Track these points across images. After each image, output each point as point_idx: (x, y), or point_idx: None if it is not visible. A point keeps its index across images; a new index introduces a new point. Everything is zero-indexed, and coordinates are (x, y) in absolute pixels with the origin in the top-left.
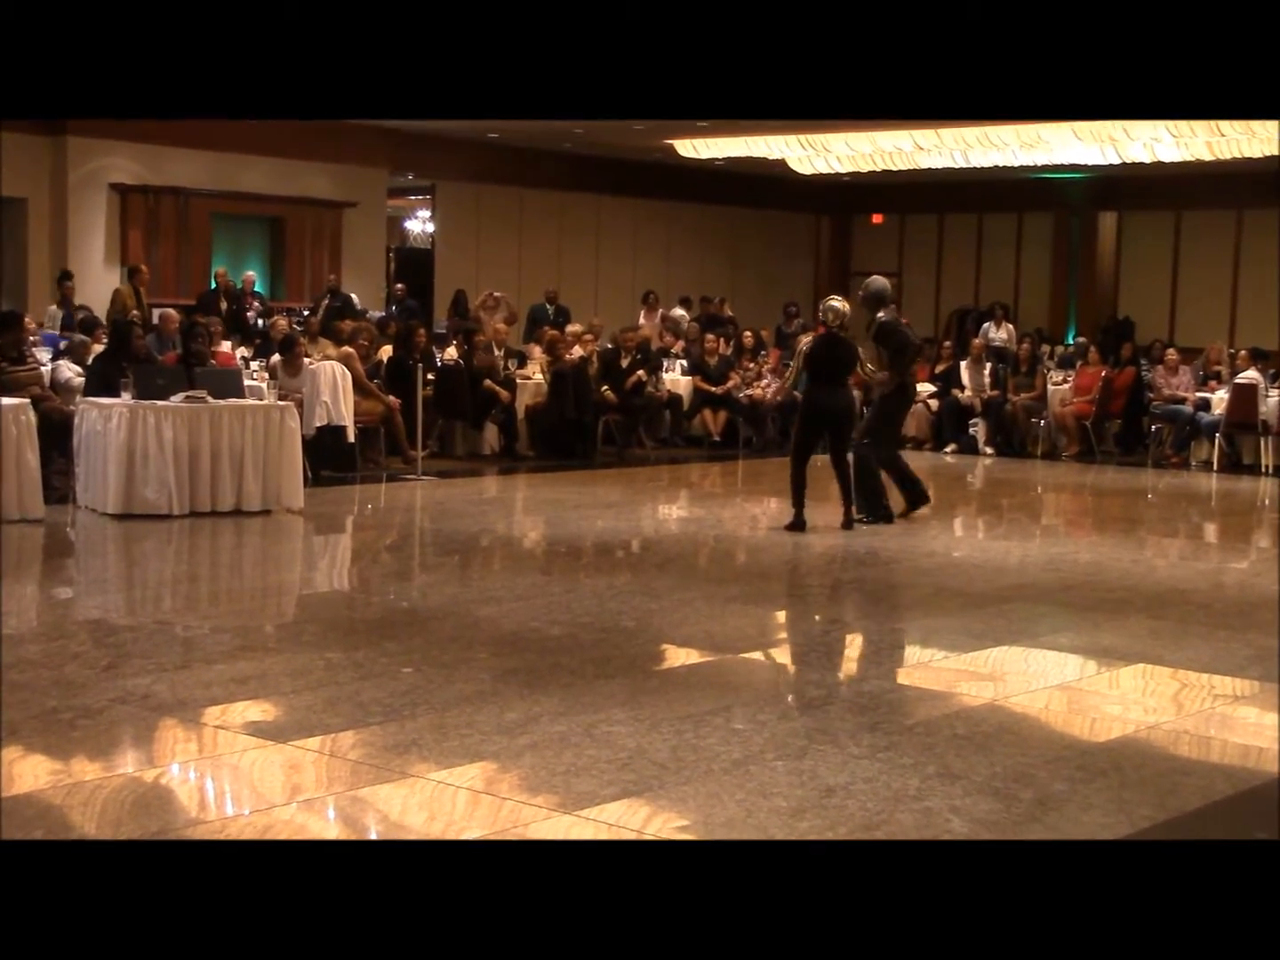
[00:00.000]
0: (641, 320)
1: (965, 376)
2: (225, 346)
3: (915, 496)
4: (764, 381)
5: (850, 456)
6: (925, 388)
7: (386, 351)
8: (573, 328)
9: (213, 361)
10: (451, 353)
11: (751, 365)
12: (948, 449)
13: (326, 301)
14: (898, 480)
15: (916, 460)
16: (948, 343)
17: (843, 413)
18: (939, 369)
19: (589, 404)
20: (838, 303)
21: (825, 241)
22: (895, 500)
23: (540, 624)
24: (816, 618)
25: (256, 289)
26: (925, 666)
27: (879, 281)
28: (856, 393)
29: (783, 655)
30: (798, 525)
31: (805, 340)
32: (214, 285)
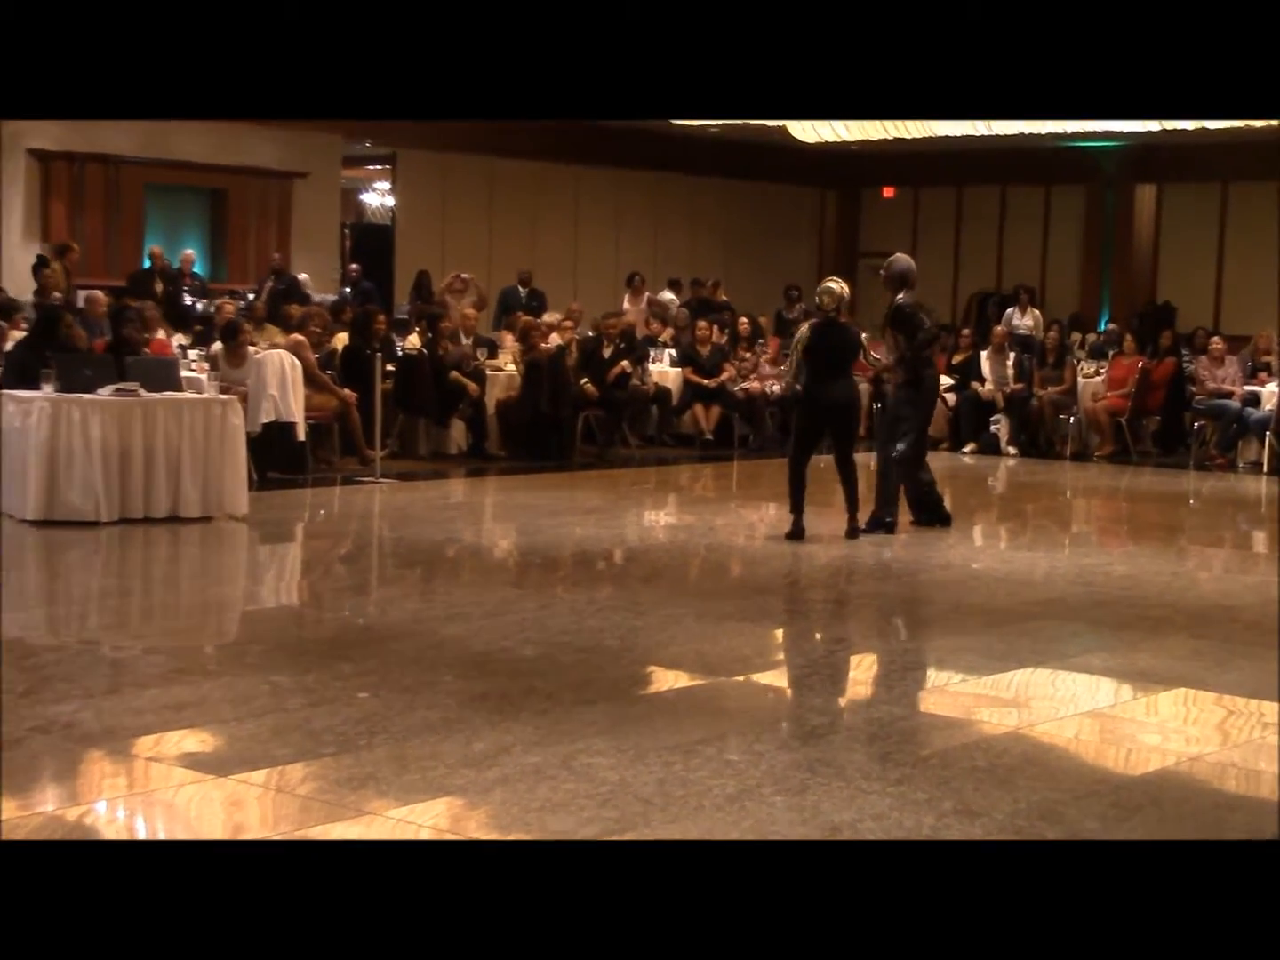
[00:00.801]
0: (626, 305)
1: (986, 368)
2: (160, 334)
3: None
4: (762, 373)
5: (876, 460)
6: (941, 381)
7: (341, 340)
8: (549, 314)
9: (146, 350)
10: (413, 341)
11: (748, 355)
12: (966, 449)
13: (272, 283)
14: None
15: (932, 462)
16: (966, 330)
17: (844, 407)
18: (957, 359)
19: (567, 398)
20: (834, 285)
21: (830, 218)
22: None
23: (512, 643)
24: (819, 637)
25: (195, 269)
26: (941, 691)
27: (903, 261)
28: (865, 385)
29: (782, 678)
30: (796, 533)
31: (803, 328)
32: (148, 264)
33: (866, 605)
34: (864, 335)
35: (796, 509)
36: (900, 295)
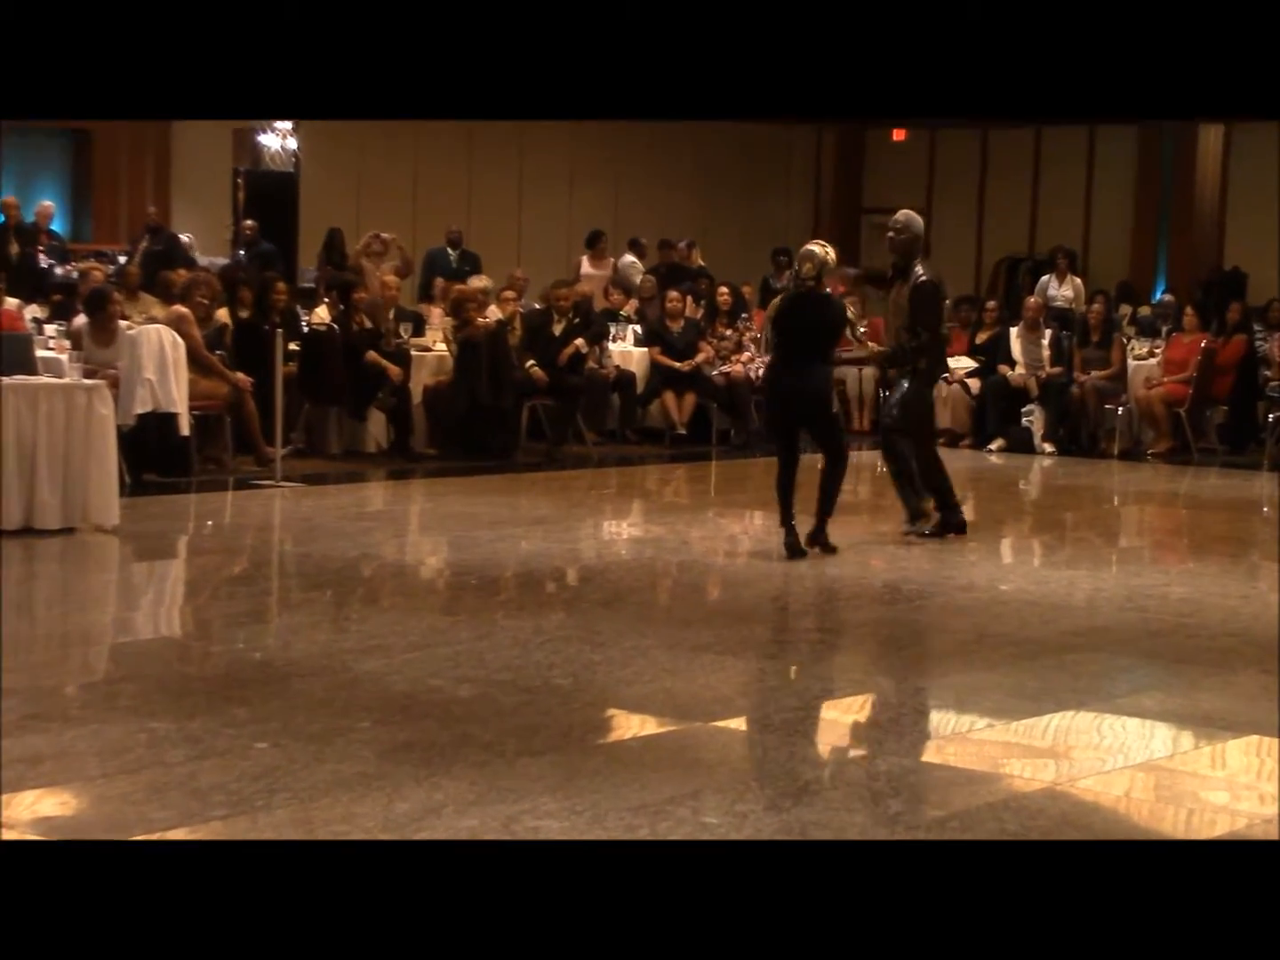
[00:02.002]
0: (585, 269)
1: (1016, 348)
2: (9, 303)
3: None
4: (745, 354)
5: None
6: (962, 363)
7: (232, 313)
8: (482, 281)
9: None
10: (322, 314)
11: (729, 332)
12: (992, 445)
13: (147, 243)
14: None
15: (952, 461)
16: (992, 303)
17: (809, 398)
18: (981, 338)
19: (509, 384)
20: (817, 248)
21: (828, 166)
22: (882, 513)
23: (443, 682)
24: (815, 673)
25: (54, 226)
26: (961, 739)
27: (917, 220)
28: (867, 369)
29: (769, 724)
30: (791, 548)
31: (776, 299)
32: None
33: (871, 635)
34: (851, 309)
35: (786, 520)
36: (919, 268)
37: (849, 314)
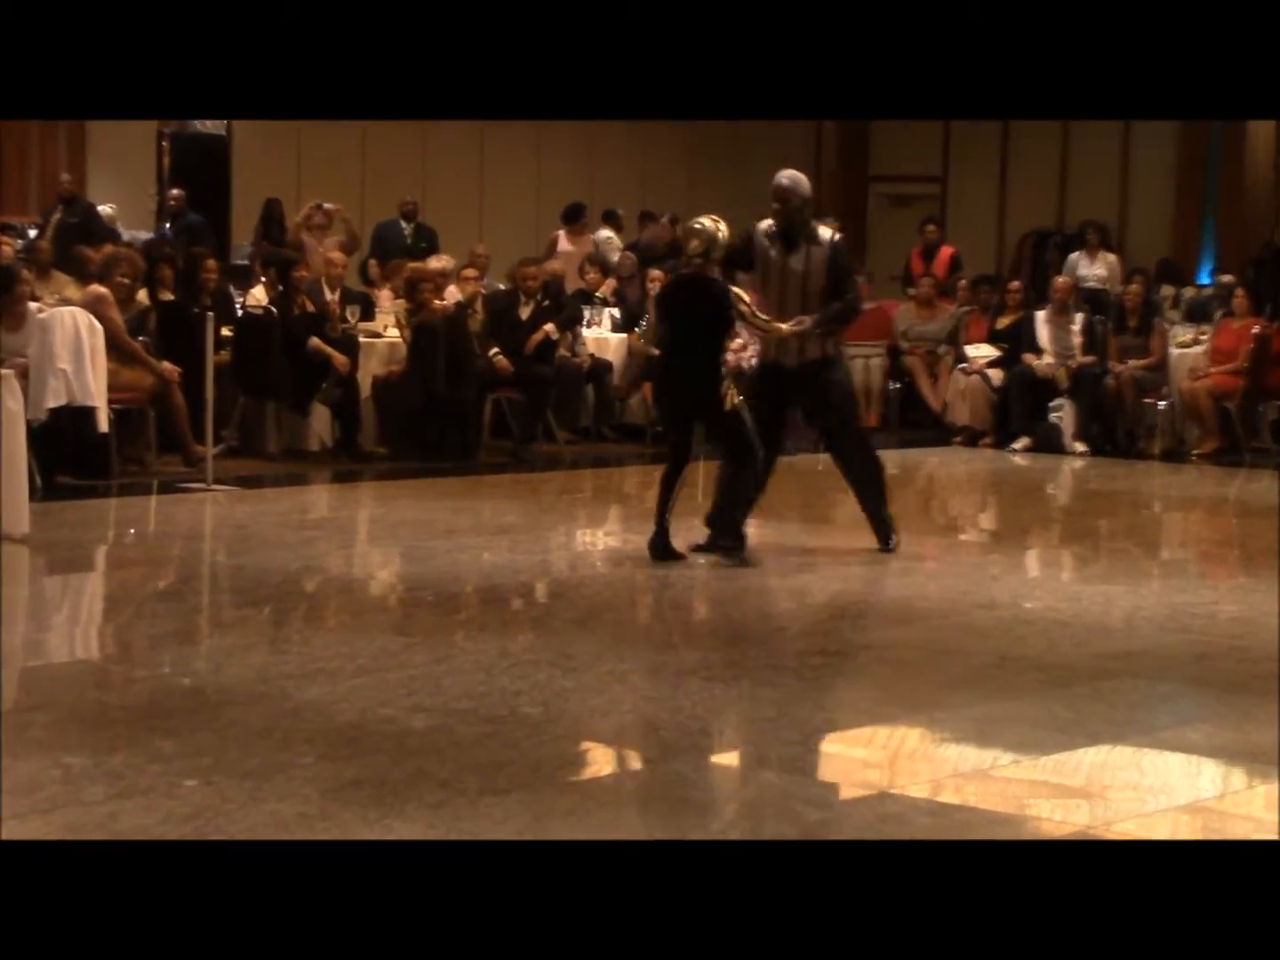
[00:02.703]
0: (564, 245)
1: (1043, 334)
2: None
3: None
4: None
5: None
6: (982, 351)
7: (149, 295)
8: (441, 260)
9: None
10: (258, 296)
11: None
12: (1017, 444)
13: (60, 215)
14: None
15: (972, 462)
16: (1016, 283)
17: (695, 390)
18: (1003, 323)
19: (469, 375)
20: (706, 222)
21: (830, 129)
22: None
23: (395, 711)
24: (816, 702)
25: None
26: (983, 776)
27: (804, 181)
28: (875, 359)
29: (764, 759)
30: (653, 547)
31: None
32: None
33: (880, 659)
34: (736, 293)
35: (659, 516)
36: (825, 228)
37: (738, 301)
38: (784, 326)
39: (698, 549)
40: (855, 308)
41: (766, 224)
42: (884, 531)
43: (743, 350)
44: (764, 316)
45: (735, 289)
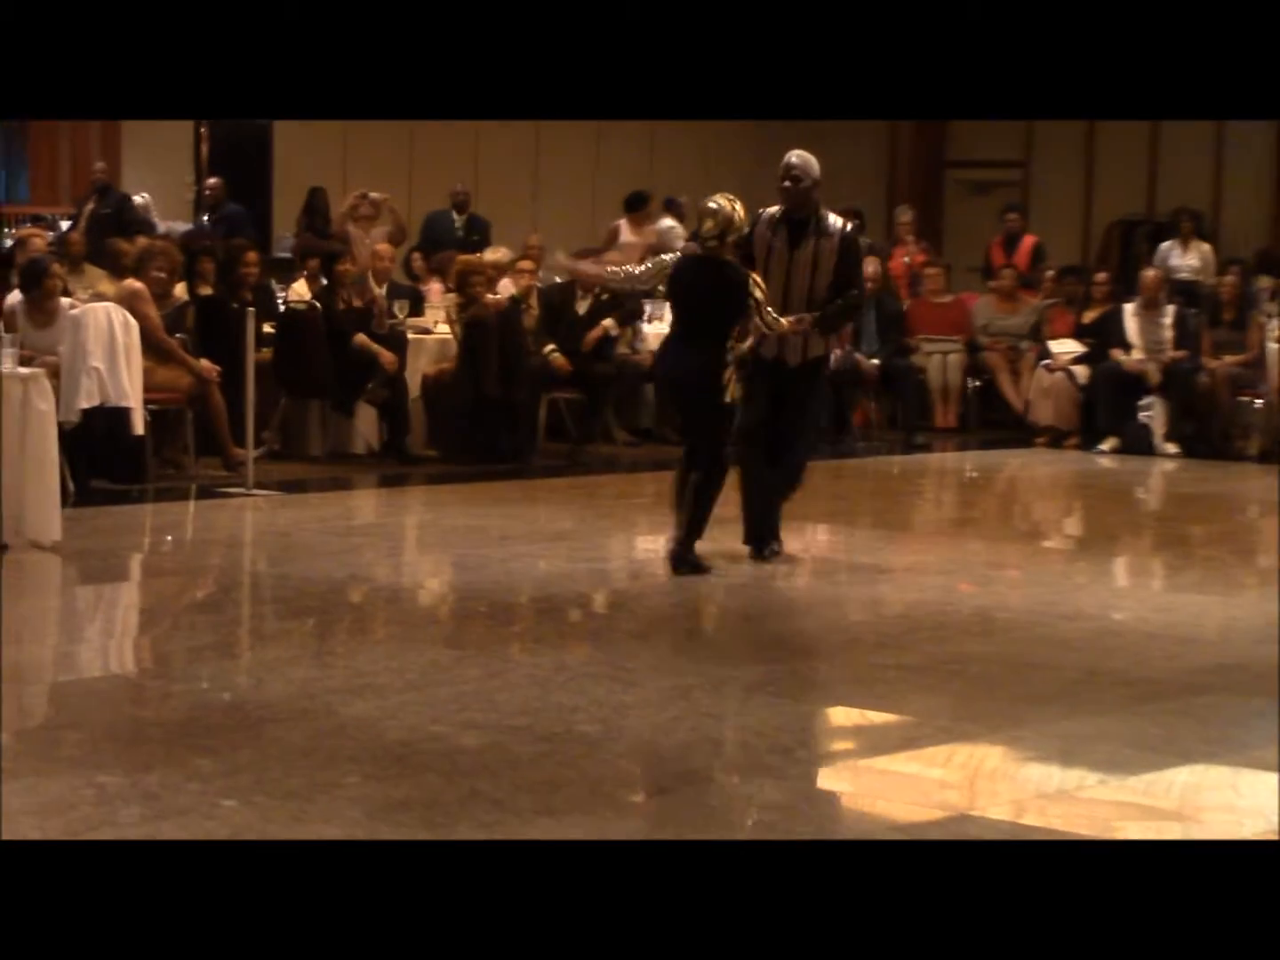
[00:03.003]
0: (626, 236)
1: (1132, 329)
2: None
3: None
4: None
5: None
6: (1067, 346)
7: (194, 289)
8: (497, 253)
9: None
10: (301, 290)
11: None
12: (1104, 445)
13: (94, 205)
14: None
15: (1056, 464)
16: (1103, 275)
17: (690, 382)
18: (1088, 317)
19: (524, 374)
20: (723, 202)
21: None
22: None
23: (446, 728)
24: (892, 718)
25: None
26: (1069, 798)
27: (815, 163)
28: (954, 355)
29: (838, 778)
30: (679, 558)
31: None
32: None
33: (960, 673)
34: (755, 280)
35: (681, 525)
36: (831, 216)
37: (754, 289)
38: (786, 323)
39: (676, 562)
40: (858, 305)
41: (772, 211)
42: (770, 536)
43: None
44: (773, 313)
45: (754, 275)
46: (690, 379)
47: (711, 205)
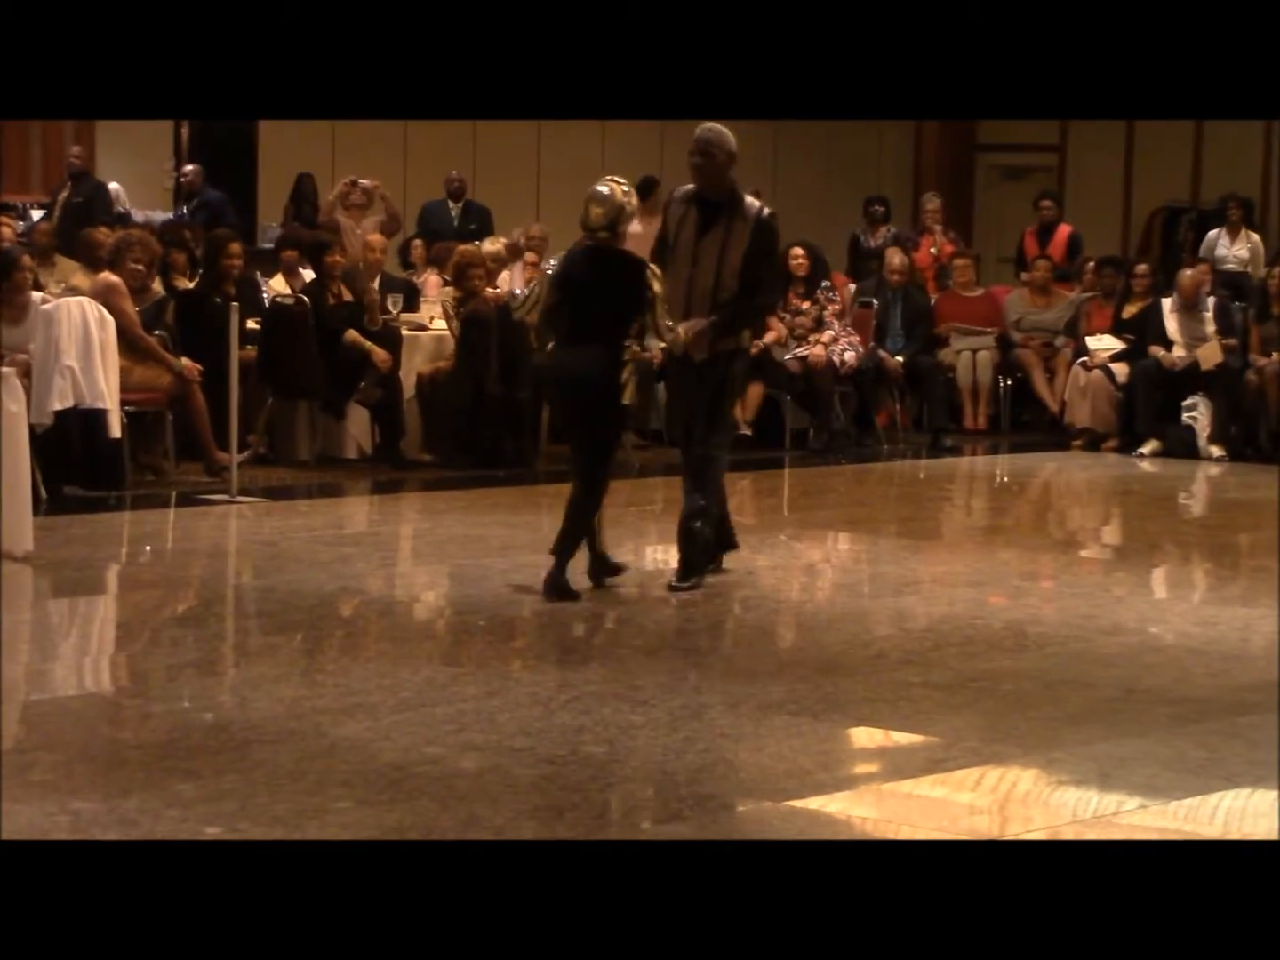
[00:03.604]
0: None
1: (1174, 324)
2: None
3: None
4: (826, 334)
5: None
6: (1105, 343)
7: (184, 283)
8: (496, 244)
9: None
10: (279, 285)
11: (805, 306)
12: (1144, 449)
13: (68, 194)
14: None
15: (1093, 468)
16: (1143, 266)
17: (586, 387)
18: (1128, 312)
19: (525, 372)
20: (613, 190)
21: None
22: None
23: (442, 750)
24: (918, 739)
25: None
26: (1105, 823)
27: (730, 138)
28: (984, 352)
29: (860, 804)
30: (553, 586)
31: (553, 260)
32: None
33: (990, 691)
34: (653, 271)
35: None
36: (748, 197)
37: (653, 281)
38: (682, 331)
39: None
40: (768, 307)
41: (686, 189)
42: (726, 545)
43: (833, 343)
44: (668, 321)
45: (652, 266)
46: (584, 381)
47: (602, 190)
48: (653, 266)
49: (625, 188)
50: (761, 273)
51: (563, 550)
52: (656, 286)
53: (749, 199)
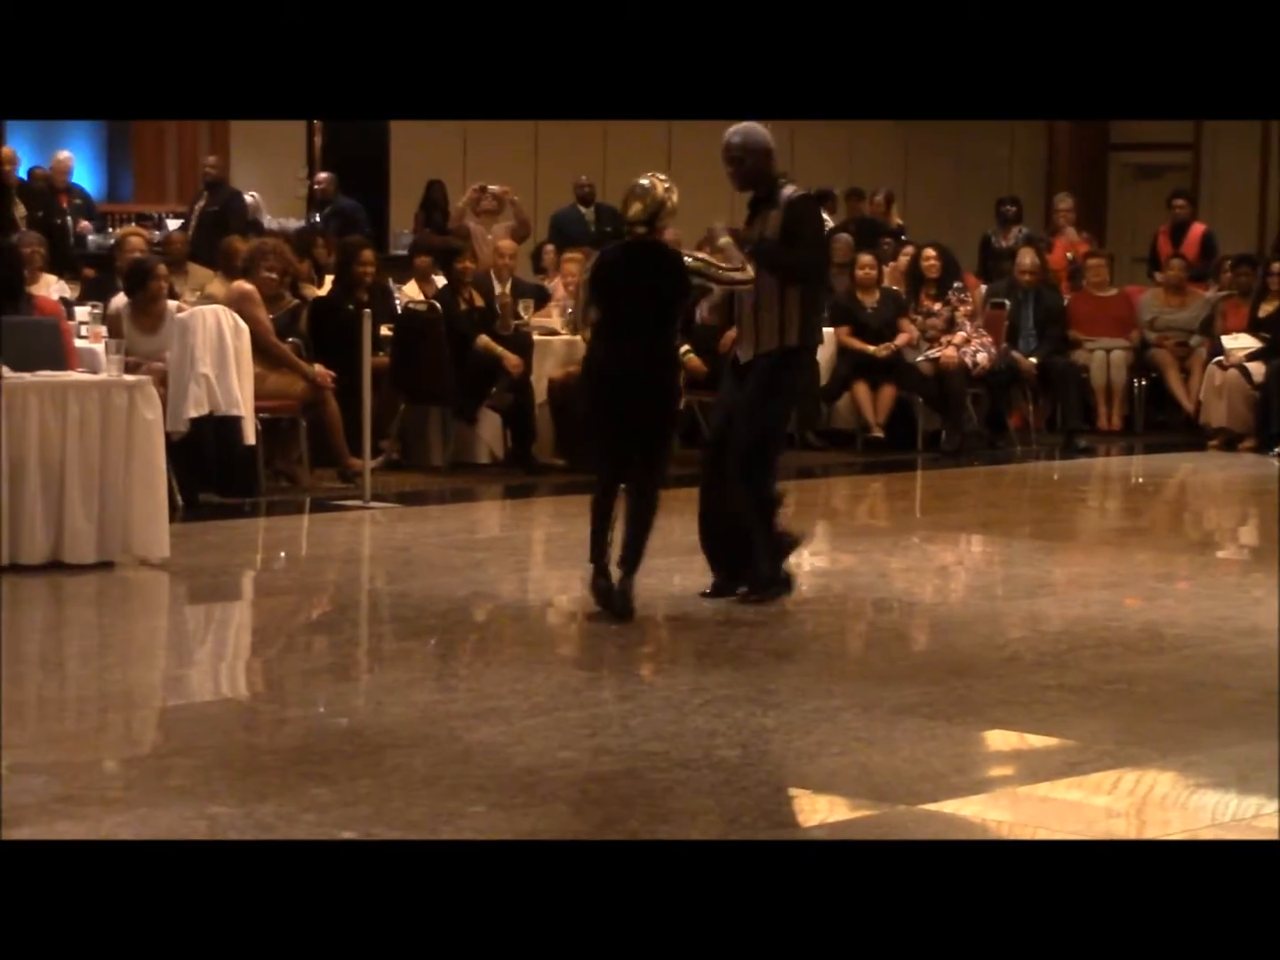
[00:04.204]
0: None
1: None
2: (48, 282)
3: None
4: (959, 335)
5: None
6: (1241, 342)
7: (311, 291)
8: None
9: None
10: (413, 291)
11: (937, 308)
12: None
13: (203, 203)
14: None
15: (1230, 468)
16: (1278, 265)
17: (636, 382)
18: (1264, 311)
19: None
20: (654, 185)
21: None
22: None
23: (576, 754)
24: (1053, 742)
25: (77, 181)
26: (1246, 826)
27: (758, 133)
28: (1118, 353)
29: (995, 808)
30: (601, 592)
31: (595, 254)
32: None
33: (1126, 694)
34: (695, 260)
35: (596, 555)
36: (787, 188)
37: (692, 261)
38: (747, 273)
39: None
40: (792, 266)
41: None
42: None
43: (966, 344)
44: (723, 264)
45: (686, 251)
46: (635, 378)
47: (642, 184)
48: (689, 254)
49: (666, 183)
50: (795, 242)
51: (631, 563)
52: (695, 263)
53: (790, 188)
